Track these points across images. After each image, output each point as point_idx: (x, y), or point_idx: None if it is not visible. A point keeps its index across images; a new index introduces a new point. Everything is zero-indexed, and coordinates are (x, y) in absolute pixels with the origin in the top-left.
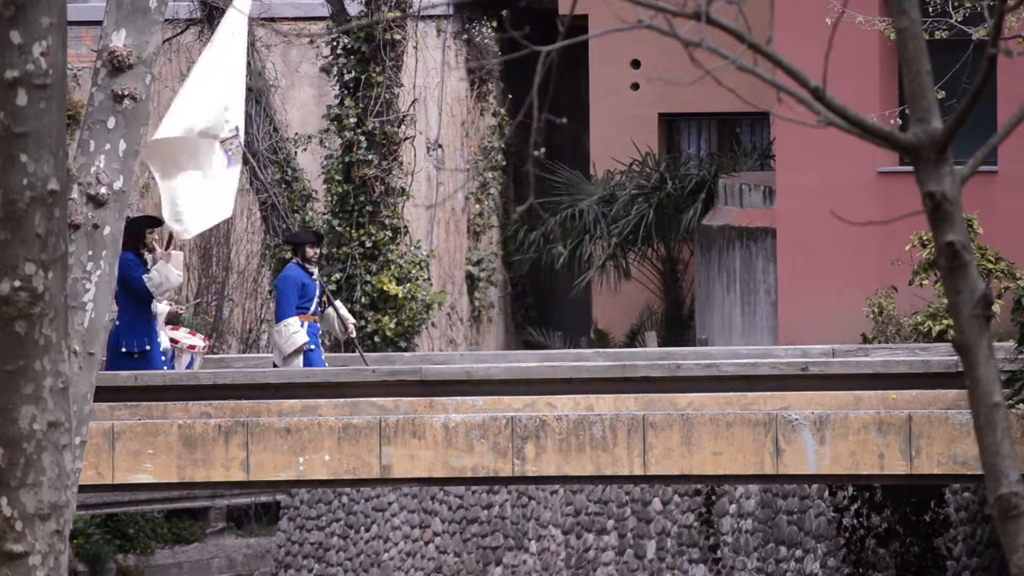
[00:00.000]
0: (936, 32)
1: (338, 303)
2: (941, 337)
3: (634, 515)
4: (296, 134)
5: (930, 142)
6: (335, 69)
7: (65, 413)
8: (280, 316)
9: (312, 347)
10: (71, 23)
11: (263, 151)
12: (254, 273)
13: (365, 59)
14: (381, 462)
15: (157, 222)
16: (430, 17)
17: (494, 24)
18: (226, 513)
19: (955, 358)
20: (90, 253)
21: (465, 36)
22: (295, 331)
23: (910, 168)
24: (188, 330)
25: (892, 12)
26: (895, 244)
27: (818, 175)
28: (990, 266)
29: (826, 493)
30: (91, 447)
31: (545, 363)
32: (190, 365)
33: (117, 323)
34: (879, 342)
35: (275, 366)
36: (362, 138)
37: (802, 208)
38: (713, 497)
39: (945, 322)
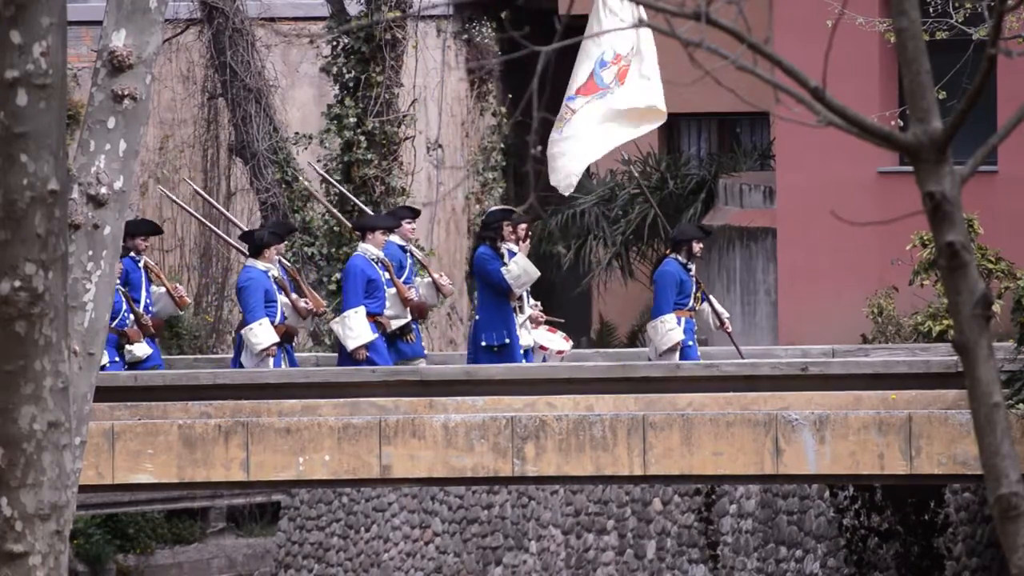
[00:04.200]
0: (936, 32)
1: (712, 297)
2: (941, 337)
3: (634, 515)
4: (296, 134)
5: (930, 142)
6: (335, 69)
7: (65, 413)
8: (656, 312)
9: (690, 343)
10: (71, 23)
11: (263, 151)
12: None
13: (365, 59)
14: (381, 462)
15: (511, 214)
16: (430, 17)
17: (494, 24)
18: (226, 513)
19: (955, 358)
20: (90, 253)
21: (465, 36)
22: (670, 328)
23: (910, 168)
24: (563, 335)
25: (892, 12)
26: (895, 244)
27: (818, 175)
28: (990, 266)
29: (826, 493)
30: (91, 447)
31: (545, 363)
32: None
33: (478, 317)
34: (879, 342)
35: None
36: (362, 138)
37: (802, 208)
38: (713, 497)
39: (945, 322)
